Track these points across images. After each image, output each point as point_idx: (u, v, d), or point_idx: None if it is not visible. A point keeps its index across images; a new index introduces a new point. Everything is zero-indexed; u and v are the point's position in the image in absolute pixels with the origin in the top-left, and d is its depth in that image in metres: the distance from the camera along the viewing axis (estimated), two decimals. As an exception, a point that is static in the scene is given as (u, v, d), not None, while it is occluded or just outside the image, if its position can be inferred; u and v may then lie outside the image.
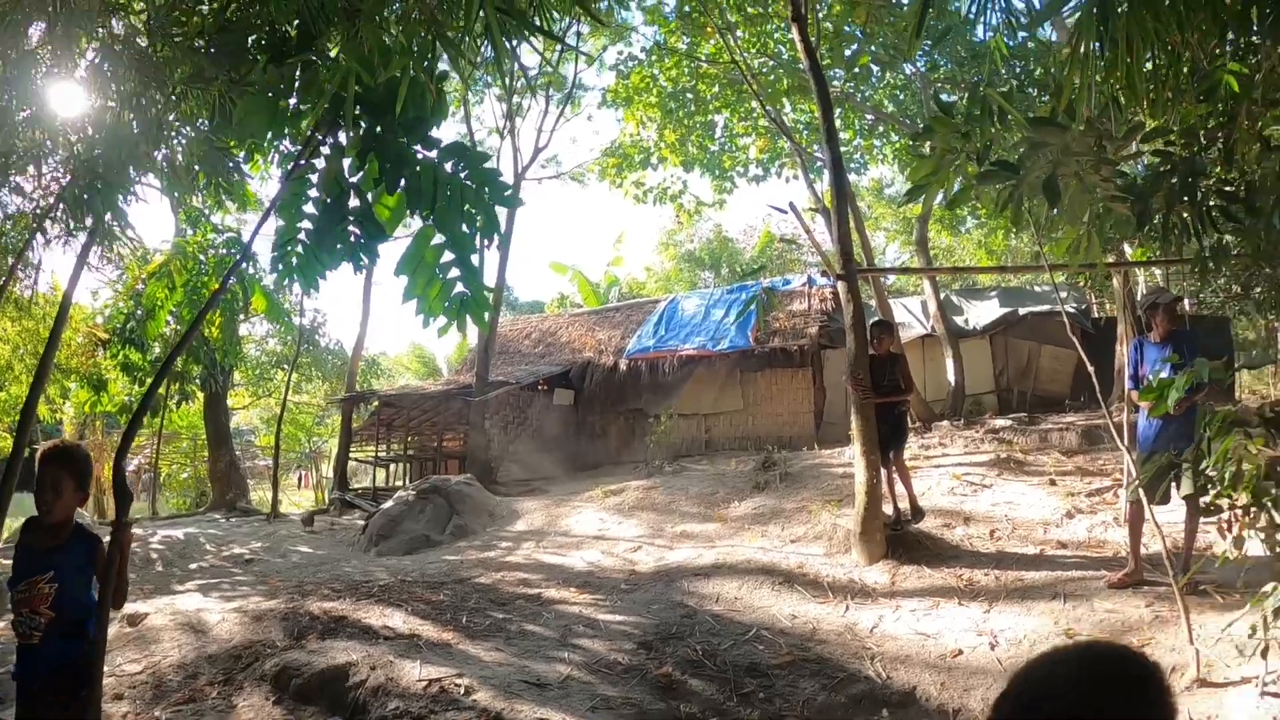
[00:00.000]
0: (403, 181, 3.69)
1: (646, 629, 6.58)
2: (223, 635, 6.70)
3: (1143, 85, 3.53)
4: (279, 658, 5.90)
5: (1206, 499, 4.74)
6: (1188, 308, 17.21)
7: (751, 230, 40.06)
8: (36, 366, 7.70)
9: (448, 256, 3.77)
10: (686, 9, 16.83)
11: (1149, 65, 3.44)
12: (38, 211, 7.74)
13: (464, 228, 3.65)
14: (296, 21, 3.78)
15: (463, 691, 5.08)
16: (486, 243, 3.77)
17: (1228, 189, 4.52)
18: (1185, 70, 3.83)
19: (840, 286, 8.44)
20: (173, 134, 5.18)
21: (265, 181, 13.15)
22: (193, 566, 10.43)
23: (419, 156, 3.69)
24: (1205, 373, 4.18)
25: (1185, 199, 4.41)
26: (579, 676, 5.54)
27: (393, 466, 21.98)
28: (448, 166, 3.67)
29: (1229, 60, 3.99)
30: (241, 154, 5.16)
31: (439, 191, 3.62)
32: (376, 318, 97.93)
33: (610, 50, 21.44)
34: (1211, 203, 4.52)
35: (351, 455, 20.80)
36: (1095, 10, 2.39)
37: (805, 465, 12.70)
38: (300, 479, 33.67)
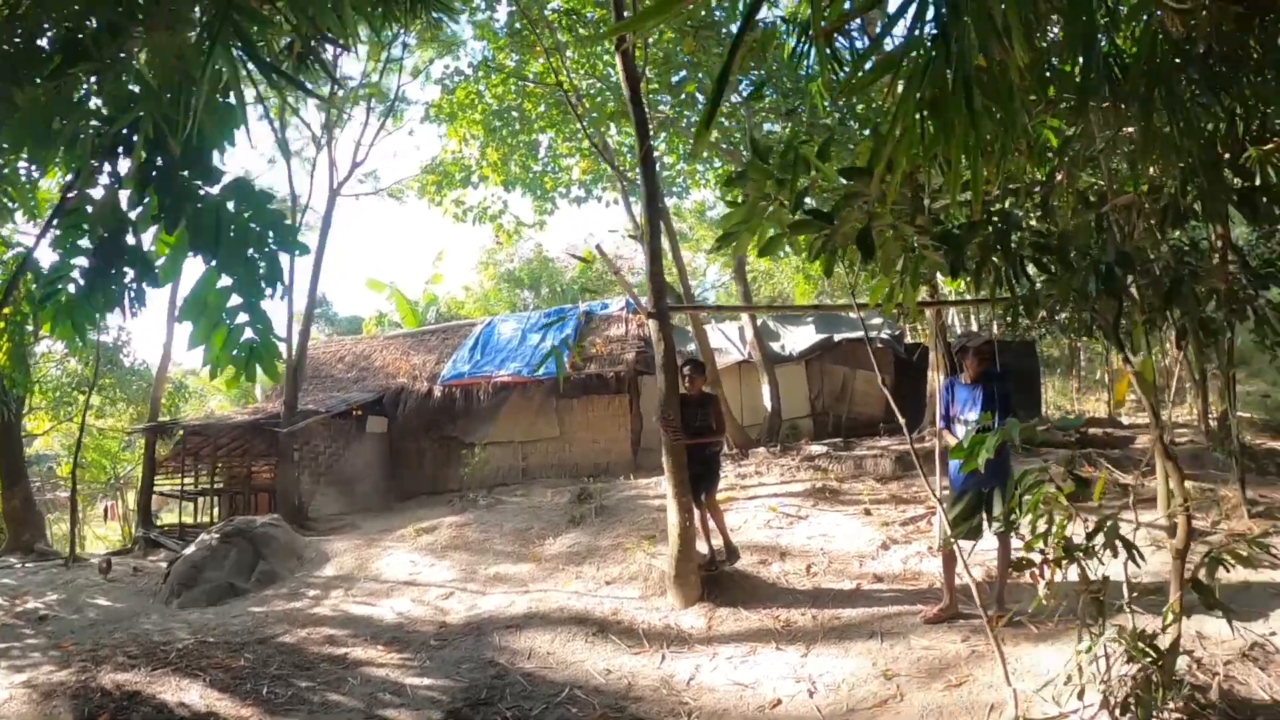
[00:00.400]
0: (183, 220, 3.27)
1: (456, 694, 6.16)
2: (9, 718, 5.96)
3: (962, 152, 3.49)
4: (65, 747, 5.23)
5: (1019, 550, 4.80)
6: (996, 331, 18.12)
7: (573, 248, 40.07)
8: None
9: (235, 300, 3.38)
10: (517, 26, 16.55)
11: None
12: None
13: (253, 272, 3.28)
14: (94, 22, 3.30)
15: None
16: (270, 291, 3.39)
17: (1042, 240, 4.58)
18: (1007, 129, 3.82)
19: (651, 325, 8.26)
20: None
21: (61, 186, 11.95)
22: (-19, 627, 9.21)
23: (201, 192, 3.29)
24: (1015, 433, 4.21)
25: (999, 249, 4.43)
26: (381, 756, 5.12)
27: (201, 500, 20.52)
28: (230, 205, 3.28)
29: (1049, 117, 4.03)
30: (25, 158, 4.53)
31: (222, 232, 3.23)
32: (185, 335, 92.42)
33: (437, 64, 20.88)
34: (1025, 253, 4.57)
35: (157, 488, 19.25)
36: (918, 95, 2.23)
37: (622, 497, 12.53)
38: (106, 510, 30.96)
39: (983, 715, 5.06)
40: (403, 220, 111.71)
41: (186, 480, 19.72)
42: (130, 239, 3.48)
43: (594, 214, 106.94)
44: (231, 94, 3.24)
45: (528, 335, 19.16)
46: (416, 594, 9.56)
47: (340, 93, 18.64)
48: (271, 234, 3.33)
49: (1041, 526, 4.46)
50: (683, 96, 16.62)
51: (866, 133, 10.95)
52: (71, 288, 3.48)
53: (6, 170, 4.68)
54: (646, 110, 9.06)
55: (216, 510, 19.69)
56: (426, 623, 8.36)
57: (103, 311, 3.56)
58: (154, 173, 3.32)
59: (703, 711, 5.67)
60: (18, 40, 3.45)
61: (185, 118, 3.10)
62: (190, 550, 11.47)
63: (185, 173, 3.32)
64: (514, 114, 18.32)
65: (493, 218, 20.78)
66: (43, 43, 3.49)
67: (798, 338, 19.16)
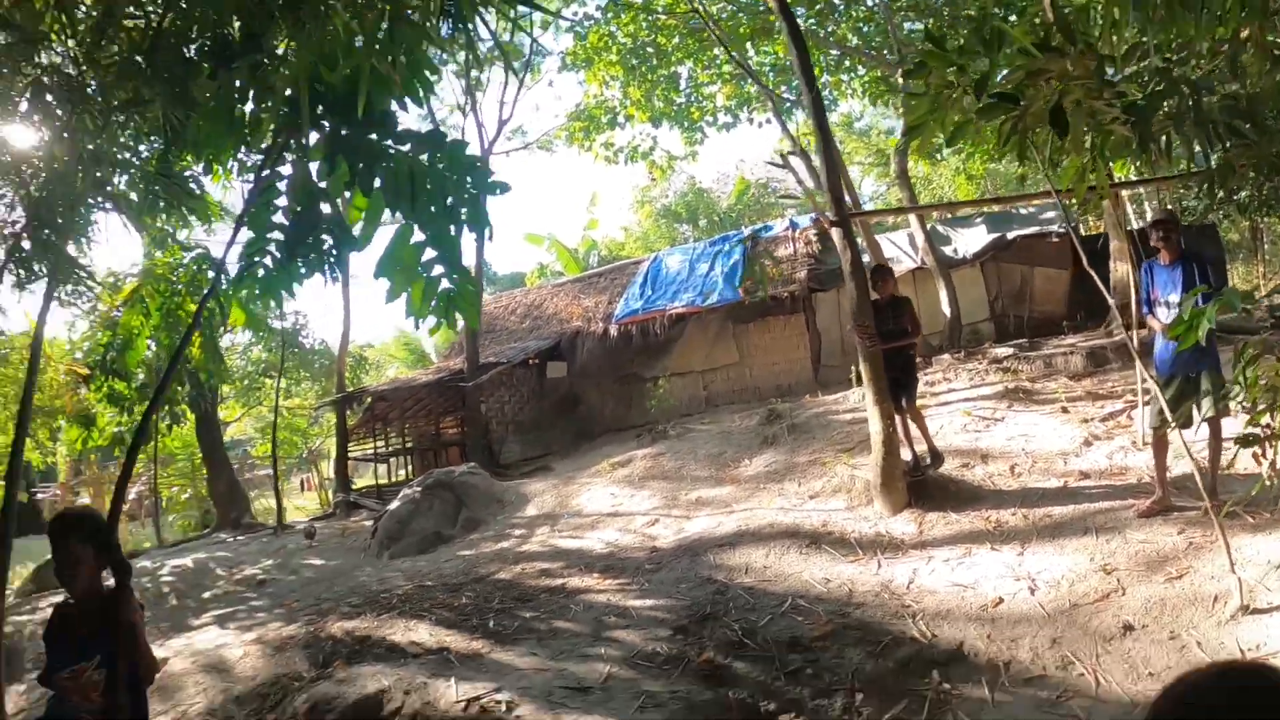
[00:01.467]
0: (378, 181, 3.47)
1: (679, 611, 6.40)
2: (246, 672, 6.54)
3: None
4: (307, 692, 5.70)
5: (1240, 428, 4.59)
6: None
7: (725, 178, 39.77)
8: (18, 411, 7.39)
9: (429, 254, 3.57)
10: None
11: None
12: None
13: (448, 222, 3.47)
14: (238, 23, 3.53)
15: (504, 709, 4.91)
16: (475, 236, 3.57)
17: (1232, 104, 4.32)
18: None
19: (835, 233, 8.19)
20: (117, 164, 4.93)
21: (228, 191, 12.83)
22: (206, 595, 10.12)
23: (391, 151, 3.47)
24: (1236, 302, 3.99)
25: (1191, 116, 4.22)
26: (620, 674, 5.38)
27: (392, 460, 21.71)
28: (423, 159, 3.45)
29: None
30: (200, 166, 4.87)
31: (418, 187, 3.41)
32: (358, 311, 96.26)
33: (565, 12, 20.99)
34: (1216, 119, 4.32)
35: (350, 454, 20.50)
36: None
37: (810, 414, 12.57)
38: (303, 482, 33.13)
39: (1207, 606, 4.98)
40: (552, 171, 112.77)
41: (377, 444, 20.90)
42: (325, 207, 3.71)
43: (744, 137, 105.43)
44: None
45: (695, 265, 19.13)
46: (622, 524, 9.93)
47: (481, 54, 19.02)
48: (470, 179, 3.49)
49: (1264, 403, 4.28)
50: (819, 7, 16.20)
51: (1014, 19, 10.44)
52: (268, 260, 3.71)
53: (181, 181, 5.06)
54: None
55: (409, 469, 20.78)
56: (636, 549, 8.69)
57: (300, 280, 3.77)
58: (341, 140, 3.52)
59: (926, 613, 5.76)
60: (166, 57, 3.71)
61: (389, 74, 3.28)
62: (395, 505, 12.21)
63: (373, 136, 3.51)
64: (649, 50, 18.32)
65: (644, 155, 20.91)
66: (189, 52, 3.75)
67: (969, 239, 18.47)
